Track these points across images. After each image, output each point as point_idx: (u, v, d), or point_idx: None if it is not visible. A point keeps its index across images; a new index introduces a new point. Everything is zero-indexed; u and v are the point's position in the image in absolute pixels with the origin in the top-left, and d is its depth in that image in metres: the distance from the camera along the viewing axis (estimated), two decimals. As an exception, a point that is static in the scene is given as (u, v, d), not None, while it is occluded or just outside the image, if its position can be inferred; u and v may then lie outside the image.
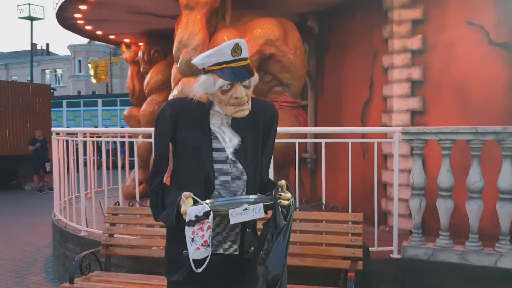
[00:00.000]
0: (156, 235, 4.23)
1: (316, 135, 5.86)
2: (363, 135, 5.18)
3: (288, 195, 2.01)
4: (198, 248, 1.88)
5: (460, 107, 4.95)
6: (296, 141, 4.34)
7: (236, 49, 1.99)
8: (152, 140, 4.67)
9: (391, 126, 5.13)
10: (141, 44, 8.22)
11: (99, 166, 10.37)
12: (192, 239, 1.89)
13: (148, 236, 4.28)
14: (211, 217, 1.89)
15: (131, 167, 8.18)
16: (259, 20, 5.36)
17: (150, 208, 2.16)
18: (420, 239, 4.08)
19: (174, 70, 5.71)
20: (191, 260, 1.92)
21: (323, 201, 4.13)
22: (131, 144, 7.26)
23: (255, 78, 2.08)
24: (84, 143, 5.29)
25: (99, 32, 8.30)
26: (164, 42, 7.60)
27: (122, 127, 18.23)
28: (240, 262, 2.12)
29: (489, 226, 4.13)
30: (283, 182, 2.02)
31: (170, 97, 5.82)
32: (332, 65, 6.64)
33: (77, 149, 5.53)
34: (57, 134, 5.94)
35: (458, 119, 4.81)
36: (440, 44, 5.06)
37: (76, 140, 5.50)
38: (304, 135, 5.39)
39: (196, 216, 1.88)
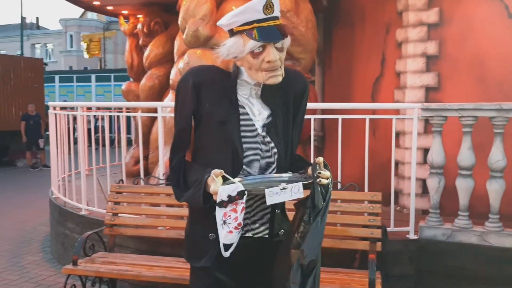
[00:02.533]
0: (162, 214, 4.05)
1: (323, 112, 5.66)
2: (374, 112, 4.99)
3: (328, 173, 1.82)
4: (230, 232, 1.70)
5: (477, 83, 4.77)
6: (312, 117, 4.14)
7: (269, 5, 1.79)
8: (155, 115, 4.48)
9: (404, 103, 4.94)
10: (140, 16, 7.90)
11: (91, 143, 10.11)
12: (224, 221, 1.70)
13: (154, 215, 4.09)
14: (245, 197, 1.70)
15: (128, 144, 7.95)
16: (268, -11, 5.08)
17: (172, 187, 1.97)
18: (438, 219, 3.93)
19: (177, 42, 5.46)
20: (221, 244, 1.73)
21: (339, 180, 3.95)
22: (128, 120, 7.04)
23: (288, 41, 1.88)
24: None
25: (96, 3, 7.95)
26: (165, 13, 7.31)
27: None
28: (270, 246, 1.95)
29: (505, 205, 3.99)
30: (320, 159, 1.84)
31: (173, 70, 5.57)
32: (341, 39, 6.39)
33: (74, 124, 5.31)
34: (54, 108, 5.69)
35: (474, 96, 4.62)
36: (457, 18, 4.85)
37: (73, 115, 5.27)
38: (314, 112, 5.18)
39: (229, 196, 1.69)
